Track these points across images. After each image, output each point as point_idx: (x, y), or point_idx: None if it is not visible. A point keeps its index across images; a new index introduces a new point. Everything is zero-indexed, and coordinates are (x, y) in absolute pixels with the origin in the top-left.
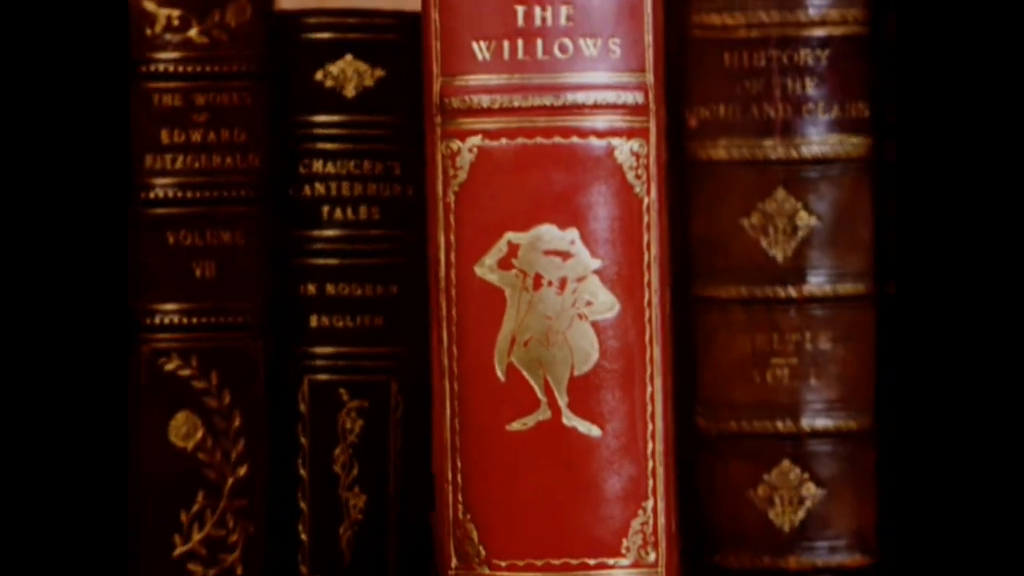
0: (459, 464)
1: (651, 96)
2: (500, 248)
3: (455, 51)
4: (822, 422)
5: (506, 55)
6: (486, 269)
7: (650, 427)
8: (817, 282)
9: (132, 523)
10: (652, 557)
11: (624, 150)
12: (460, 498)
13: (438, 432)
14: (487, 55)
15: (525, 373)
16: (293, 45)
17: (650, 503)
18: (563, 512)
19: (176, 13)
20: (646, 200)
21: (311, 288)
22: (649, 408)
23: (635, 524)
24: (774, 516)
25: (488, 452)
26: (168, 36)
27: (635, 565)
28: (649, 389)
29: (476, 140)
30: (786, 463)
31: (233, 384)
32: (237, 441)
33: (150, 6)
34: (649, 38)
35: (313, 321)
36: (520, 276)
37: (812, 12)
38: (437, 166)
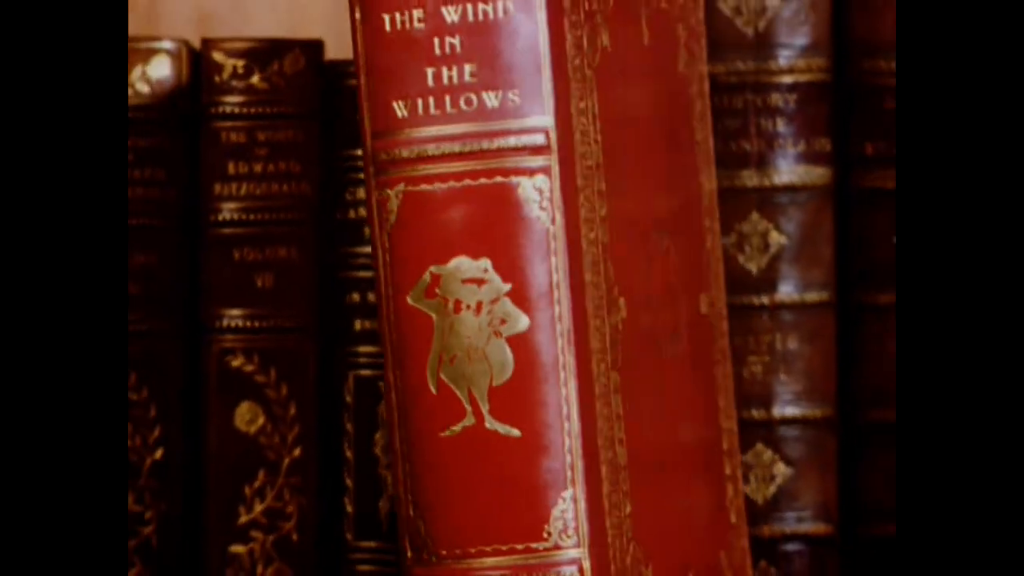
0: (407, 467)
1: (551, 137)
2: (425, 280)
3: (380, 110)
4: (791, 411)
5: (420, 111)
6: (415, 298)
7: (566, 425)
8: (786, 291)
9: (203, 496)
10: (572, 540)
11: (527, 187)
12: (410, 497)
13: (391, 439)
14: (405, 112)
15: (452, 386)
16: (339, 91)
17: (569, 492)
18: (492, 505)
19: (241, 63)
20: (551, 228)
21: (355, 296)
22: (564, 409)
23: (556, 512)
24: (749, 491)
25: (427, 456)
26: (234, 83)
27: (556, 548)
28: (563, 391)
29: (401, 187)
30: (759, 446)
31: (289, 378)
32: (293, 427)
33: (219, 56)
34: (547, 87)
35: (357, 325)
36: (443, 303)
37: (782, 62)
38: (374, 211)
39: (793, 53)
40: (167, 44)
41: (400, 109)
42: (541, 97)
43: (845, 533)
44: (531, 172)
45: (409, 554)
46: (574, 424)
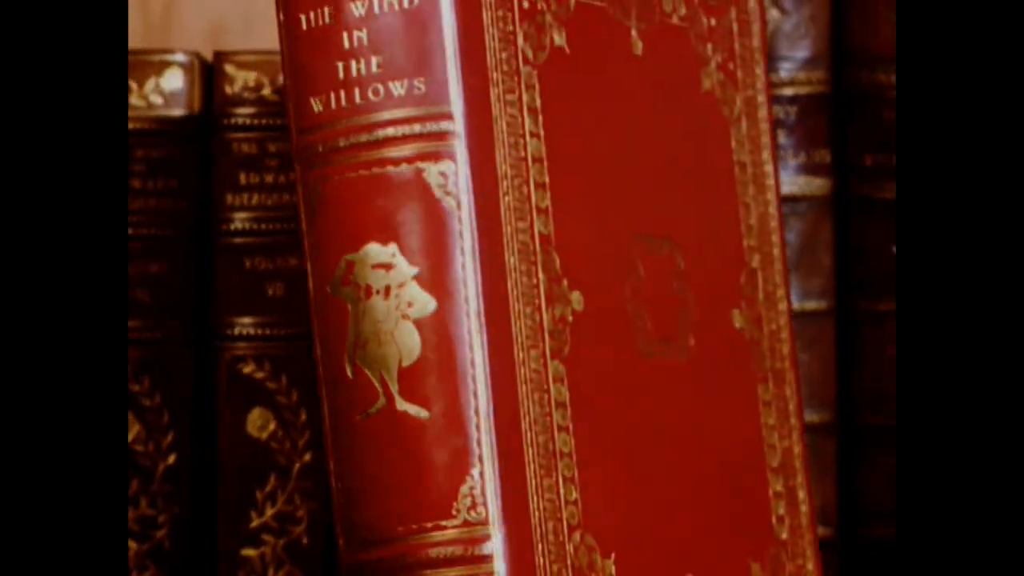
0: (333, 452)
1: (458, 123)
2: (341, 268)
3: (301, 107)
4: None
5: (333, 105)
6: (333, 287)
7: (473, 403)
8: None
9: (215, 500)
10: (481, 515)
11: (432, 172)
12: (336, 483)
13: (323, 426)
14: (320, 107)
15: (366, 371)
16: None
17: (477, 470)
18: (407, 487)
19: (252, 75)
20: (456, 213)
21: None
22: (472, 387)
23: (464, 489)
24: None
25: (347, 440)
26: (245, 94)
27: (465, 524)
28: (471, 372)
29: (319, 180)
30: None
31: (300, 385)
32: (303, 432)
33: (231, 69)
34: (454, 75)
35: None
36: (356, 289)
37: (783, 75)
38: (300, 205)
39: (793, 66)
40: (180, 57)
41: (316, 104)
42: (447, 85)
43: (845, 535)
44: (436, 157)
45: (342, 542)
46: (483, 403)
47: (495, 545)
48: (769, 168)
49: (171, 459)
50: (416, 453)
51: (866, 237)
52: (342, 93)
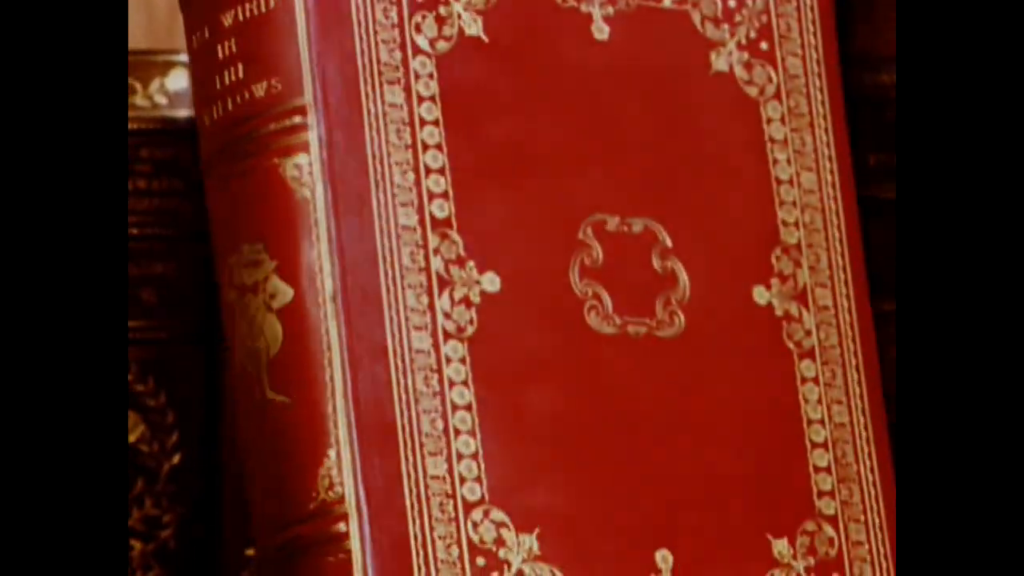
0: (237, 443)
1: (310, 116)
2: (226, 271)
3: (200, 123)
4: None
5: (215, 115)
6: (225, 291)
7: (329, 387)
8: None
9: (220, 501)
10: (339, 494)
11: (288, 166)
12: (243, 472)
13: None
14: (207, 120)
15: (248, 365)
16: None
17: (333, 451)
18: (278, 473)
19: None
20: (312, 202)
21: None
22: (328, 372)
23: (322, 471)
24: None
25: (243, 431)
26: None
27: (324, 504)
28: (327, 356)
29: (209, 188)
30: None
31: None
32: None
33: None
34: (308, 71)
35: None
36: (236, 290)
37: None
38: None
39: None
40: (185, 57)
41: (207, 118)
42: (300, 81)
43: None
44: (290, 151)
45: (252, 536)
46: (338, 387)
47: (352, 525)
48: (828, 142)
49: (176, 459)
50: (283, 440)
51: (870, 237)
52: (219, 103)
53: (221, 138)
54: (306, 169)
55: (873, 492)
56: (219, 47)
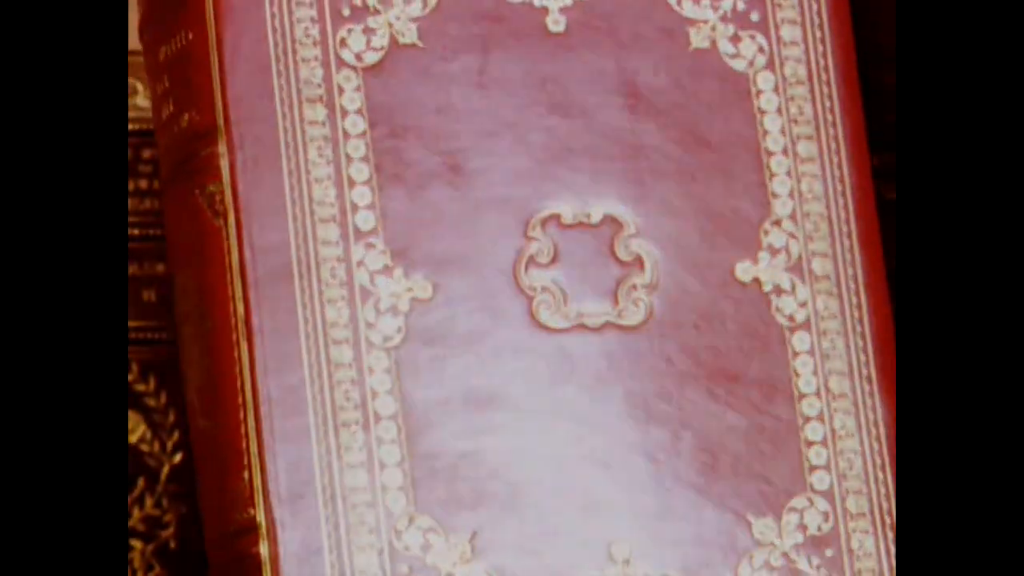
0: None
1: (220, 144)
2: (176, 304)
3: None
4: None
5: (160, 146)
6: (176, 323)
7: (242, 412)
8: None
9: None
10: (250, 514)
11: (205, 193)
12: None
13: None
14: (159, 151)
15: (187, 393)
16: None
17: (246, 473)
18: (209, 493)
19: None
20: (224, 227)
21: None
22: (241, 396)
23: (239, 493)
24: None
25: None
26: None
27: (240, 525)
28: (239, 380)
29: (163, 219)
30: None
31: None
32: None
33: None
34: (220, 99)
35: None
36: (179, 318)
37: None
38: None
39: None
40: None
41: (159, 148)
42: (214, 110)
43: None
44: (207, 179)
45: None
46: (250, 408)
47: (262, 547)
48: (832, 107)
49: (177, 459)
50: (211, 464)
51: None
52: (163, 134)
53: (166, 168)
54: (218, 197)
55: (879, 462)
56: (158, 82)
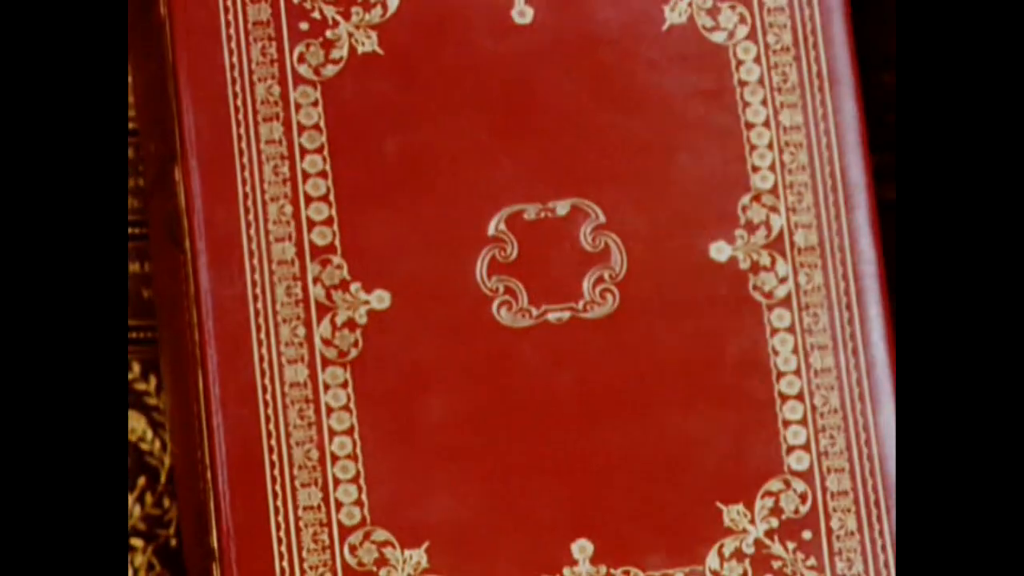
0: None
1: (177, 171)
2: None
3: None
4: None
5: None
6: None
7: (198, 436)
8: None
9: None
10: (209, 542)
11: (166, 218)
12: None
13: None
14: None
15: (166, 422)
16: None
17: (212, 499)
18: (182, 522)
19: None
20: (186, 253)
21: None
22: (198, 423)
23: (203, 519)
24: None
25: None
26: None
27: (207, 552)
28: (195, 406)
29: None
30: None
31: None
32: None
33: None
34: (177, 125)
35: None
36: (160, 346)
37: None
38: None
39: None
40: None
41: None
42: (173, 132)
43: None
44: (166, 204)
45: None
46: (206, 434)
47: (215, 571)
48: (820, 71)
49: None
50: (180, 491)
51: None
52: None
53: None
54: (183, 221)
55: (863, 436)
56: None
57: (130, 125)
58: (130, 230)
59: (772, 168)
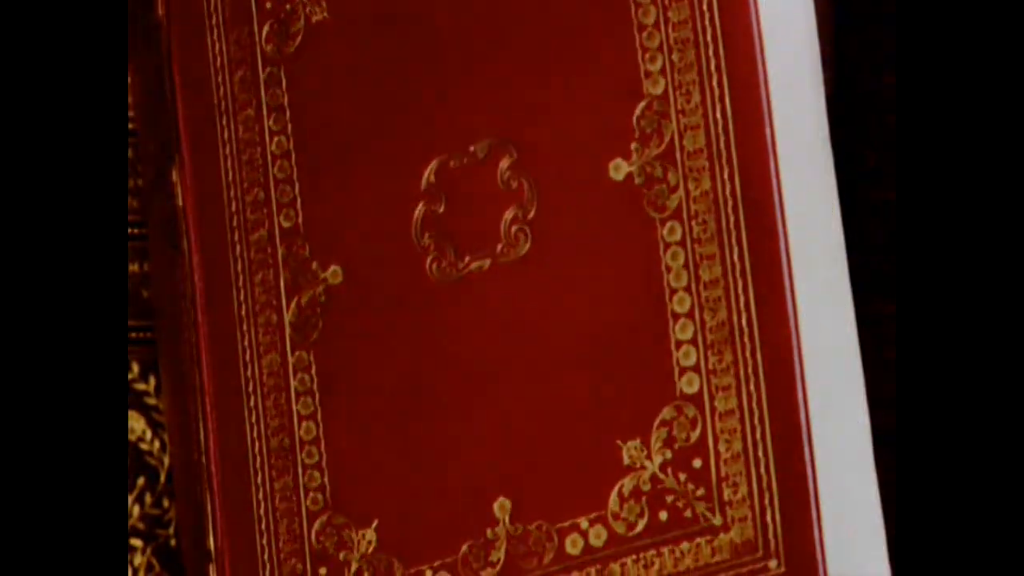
0: None
1: (175, 174)
2: None
3: None
4: None
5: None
6: None
7: (194, 437)
8: None
9: None
10: (209, 544)
11: (164, 221)
12: None
13: None
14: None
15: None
16: None
17: (208, 502)
18: (188, 522)
19: None
20: (186, 255)
21: None
22: (195, 424)
23: (203, 520)
24: None
25: None
26: None
27: (205, 553)
28: (193, 409)
29: None
30: None
31: None
32: None
33: None
34: (173, 117)
35: None
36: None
37: None
38: None
39: None
40: None
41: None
42: (169, 131)
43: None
44: (165, 206)
45: None
46: (202, 435)
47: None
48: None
49: None
50: (177, 491)
51: (870, 237)
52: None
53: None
54: (172, 221)
55: (749, 345)
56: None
57: (130, 125)
58: (130, 230)
59: (663, 72)
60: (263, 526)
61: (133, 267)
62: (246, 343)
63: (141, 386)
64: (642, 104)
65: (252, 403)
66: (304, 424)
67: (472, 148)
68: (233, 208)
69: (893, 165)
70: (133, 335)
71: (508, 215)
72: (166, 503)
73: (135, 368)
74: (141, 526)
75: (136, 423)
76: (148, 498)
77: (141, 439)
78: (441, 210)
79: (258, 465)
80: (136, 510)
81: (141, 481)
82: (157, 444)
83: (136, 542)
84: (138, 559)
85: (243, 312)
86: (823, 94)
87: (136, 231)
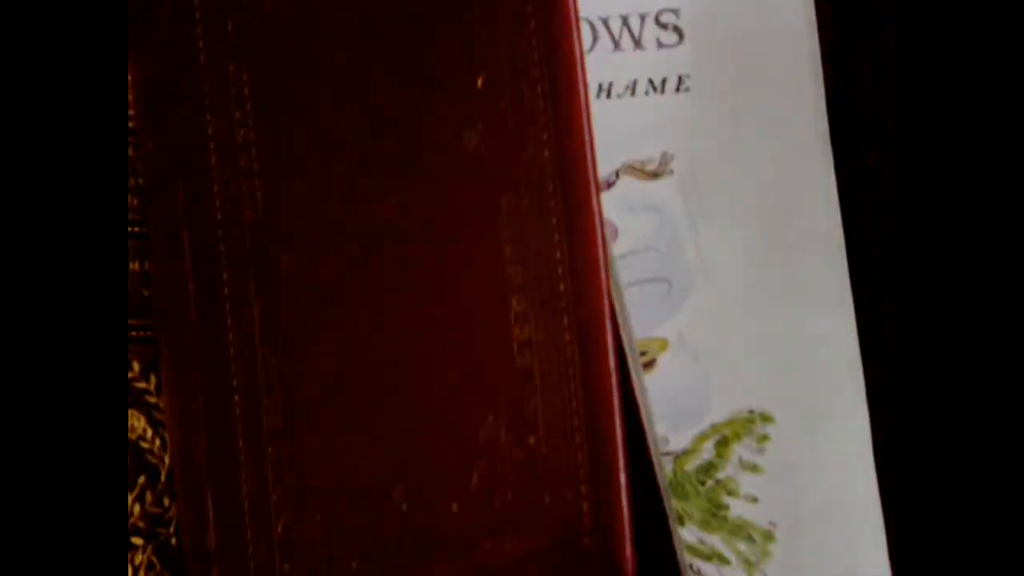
0: None
1: (174, 179)
2: None
3: None
4: None
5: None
6: None
7: (193, 456)
8: None
9: None
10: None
11: (163, 222)
12: None
13: None
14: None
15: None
16: None
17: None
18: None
19: None
20: (181, 254)
21: None
22: (193, 429)
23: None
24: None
25: None
26: None
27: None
28: (192, 419)
29: None
30: None
31: None
32: None
33: None
34: (168, 120)
35: None
36: None
37: None
38: None
39: None
40: None
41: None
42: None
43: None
44: (167, 206)
45: None
46: (202, 453)
47: None
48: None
49: None
50: (180, 490)
51: (870, 236)
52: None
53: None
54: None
55: (564, 287)
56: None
57: (130, 125)
58: (130, 229)
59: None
60: (248, 520)
61: (133, 266)
62: (231, 336)
63: (141, 384)
64: (483, 76)
65: (236, 397)
66: (267, 419)
67: (365, 133)
68: (219, 207)
69: (893, 165)
70: (133, 334)
71: (388, 217)
72: (167, 502)
73: (135, 367)
74: (142, 525)
75: (136, 422)
76: (149, 497)
77: (142, 437)
78: (347, 207)
79: (242, 459)
80: (137, 509)
81: (142, 480)
82: (158, 443)
83: (137, 541)
84: (139, 558)
85: (228, 306)
86: (823, 93)
87: (136, 230)
